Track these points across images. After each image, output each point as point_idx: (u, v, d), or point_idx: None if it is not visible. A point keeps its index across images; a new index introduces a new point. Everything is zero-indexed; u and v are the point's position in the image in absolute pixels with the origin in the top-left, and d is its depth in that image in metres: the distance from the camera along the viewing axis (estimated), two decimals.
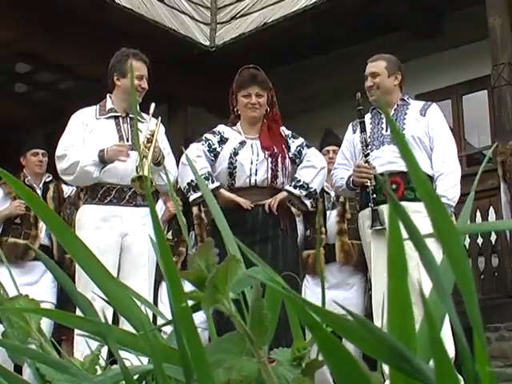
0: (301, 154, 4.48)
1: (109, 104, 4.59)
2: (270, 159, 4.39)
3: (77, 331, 0.95)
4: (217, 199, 4.29)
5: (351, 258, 5.30)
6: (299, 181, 4.39)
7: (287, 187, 4.39)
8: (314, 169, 4.45)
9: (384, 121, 4.50)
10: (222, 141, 4.48)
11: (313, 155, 4.51)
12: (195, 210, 5.74)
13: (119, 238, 4.39)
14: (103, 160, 4.39)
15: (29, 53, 8.26)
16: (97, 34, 7.60)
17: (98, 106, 4.60)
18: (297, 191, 4.38)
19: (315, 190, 4.44)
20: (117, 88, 4.59)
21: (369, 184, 4.37)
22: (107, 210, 4.42)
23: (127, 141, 4.50)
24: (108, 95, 4.63)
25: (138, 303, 0.96)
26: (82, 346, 3.82)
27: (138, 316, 0.93)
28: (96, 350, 1.00)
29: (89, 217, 4.43)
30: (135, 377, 0.89)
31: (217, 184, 4.33)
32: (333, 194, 5.47)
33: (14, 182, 0.94)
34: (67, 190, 6.12)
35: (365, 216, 4.47)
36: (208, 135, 4.52)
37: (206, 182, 4.24)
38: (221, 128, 4.58)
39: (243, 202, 4.30)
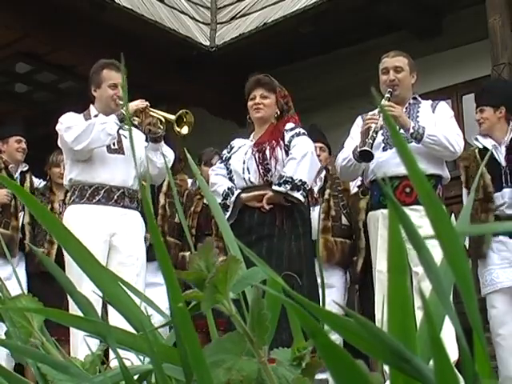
0: (290, 144, 4.47)
1: (93, 111, 4.65)
2: (257, 155, 4.43)
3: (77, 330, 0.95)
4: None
5: (333, 256, 5.33)
6: (282, 177, 4.38)
7: (273, 186, 4.40)
8: (294, 160, 4.40)
9: None
10: (230, 151, 4.64)
11: (296, 145, 4.45)
12: (162, 200, 5.77)
13: (108, 237, 4.42)
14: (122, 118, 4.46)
15: (29, 53, 8.25)
16: (97, 34, 7.59)
17: (82, 114, 4.64)
18: (281, 188, 4.35)
19: (301, 180, 4.36)
20: (96, 99, 4.67)
21: (373, 126, 4.27)
22: (95, 210, 4.45)
23: (113, 145, 4.55)
24: (91, 105, 4.71)
25: (137, 302, 0.96)
26: (83, 348, 3.82)
27: (137, 316, 0.93)
28: (97, 351, 1.00)
29: (77, 216, 4.45)
30: (135, 377, 0.90)
31: (237, 193, 4.43)
32: (316, 189, 5.48)
33: (11, 184, 0.94)
34: (37, 183, 6.13)
35: (376, 217, 4.44)
36: (222, 152, 4.73)
37: (229, 197, 4.41)
38: (233, 141, 4.72)
39: (261, 194, 4.39)
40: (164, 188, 5.80)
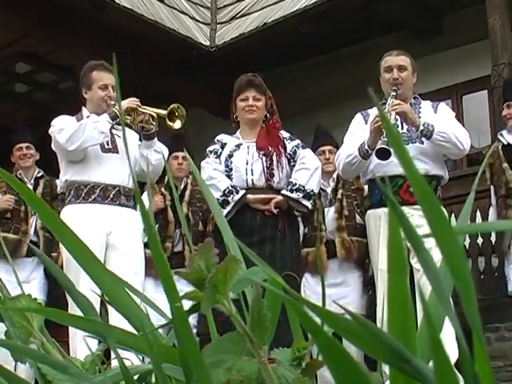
0: (295, 155, 4.58)
1: (85, 114, 4.64)
2: (264, 158, 4.48)
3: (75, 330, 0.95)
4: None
5: (352, 254, 5.33)
6: (295, 184, 4.49)
7: (284, 191, 4.46)
8: (308, 170, 4.54)
9: (398, 117, 4.42)
10: (223, 147, 4.62)
11: (306, 157, 4.59)
12: (184, 209, 5.77)
13: (105, 235, 4.41)
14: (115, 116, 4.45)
15: (29, 53, 8.26)
16: (97, 34, 7.60)
17: (74, 117, 4.63)
18: (294, 194, 4.47)
19: (312, 190, 4.52)
20: (87, 101, 4.67)
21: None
22: (92, 208, 4.45)
23: (107, 144, 4.55)
24: (83, 107, 4.70)
25: (137, 302, 0.96)
26: (82, 348, 3.82)
27: (137, 315, 0.93)
28: (97, 351, 1.00)
29: (73, 216, 4.43)
30: (135, 377, 0.90)
31: (242, 192, 4.43)
32: (329, 191, 5.50)
33: (11, 179, 0.94)
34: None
35: (377, 215, 4.43)
36: (210, 147, 4.66)
37: (231, 195, 4.40)
38: (219, 136, 4.71)
39: (269, 197, 4.42)
40: (186, 197, 5.79)
